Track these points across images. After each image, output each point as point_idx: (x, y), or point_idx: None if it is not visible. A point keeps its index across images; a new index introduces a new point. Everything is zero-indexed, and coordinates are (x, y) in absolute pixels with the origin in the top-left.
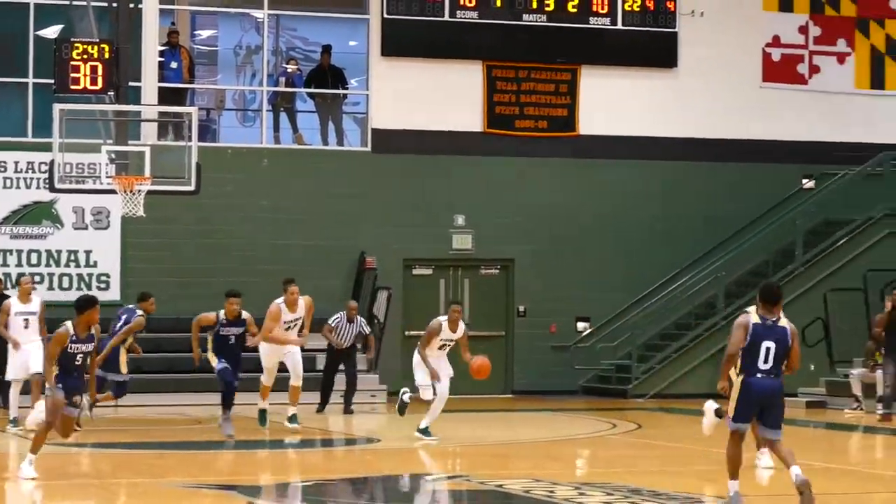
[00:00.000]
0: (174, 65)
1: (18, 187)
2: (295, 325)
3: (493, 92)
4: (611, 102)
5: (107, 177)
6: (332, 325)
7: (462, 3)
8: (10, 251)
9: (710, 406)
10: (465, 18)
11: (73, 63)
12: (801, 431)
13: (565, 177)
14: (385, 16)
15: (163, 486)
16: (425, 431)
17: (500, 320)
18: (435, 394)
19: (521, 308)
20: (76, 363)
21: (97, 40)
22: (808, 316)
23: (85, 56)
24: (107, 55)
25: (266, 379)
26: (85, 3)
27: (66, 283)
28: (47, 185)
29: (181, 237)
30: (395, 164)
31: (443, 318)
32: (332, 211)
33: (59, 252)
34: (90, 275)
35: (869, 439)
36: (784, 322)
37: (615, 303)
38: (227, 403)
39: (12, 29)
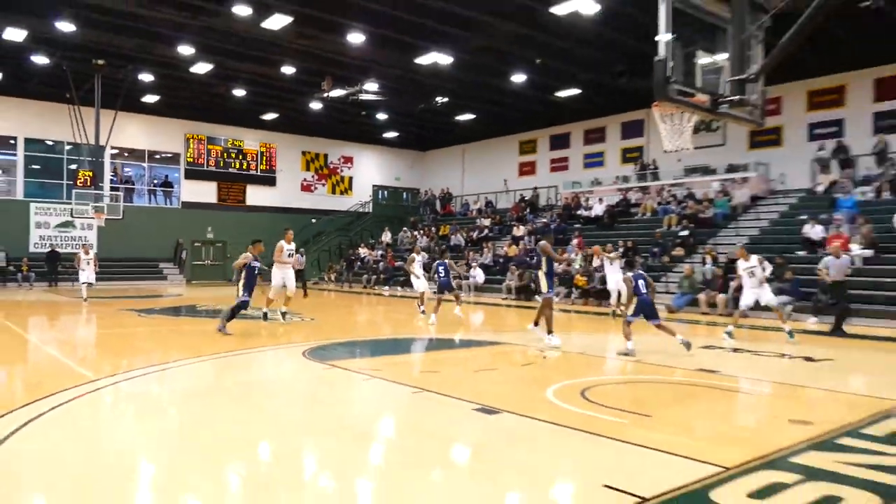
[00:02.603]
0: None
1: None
2: (292, 254)
3: (220, 191)
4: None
5: (93, 214)
6: (295, 257)
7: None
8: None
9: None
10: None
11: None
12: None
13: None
14: (185, 167)
15: (112, 309)
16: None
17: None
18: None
19: None
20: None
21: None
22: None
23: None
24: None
25: (274, 293)
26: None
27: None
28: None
29: (106, 237)
30: (192, 213)
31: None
32: (168, 227)
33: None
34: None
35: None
36: (641, 271)
37: None
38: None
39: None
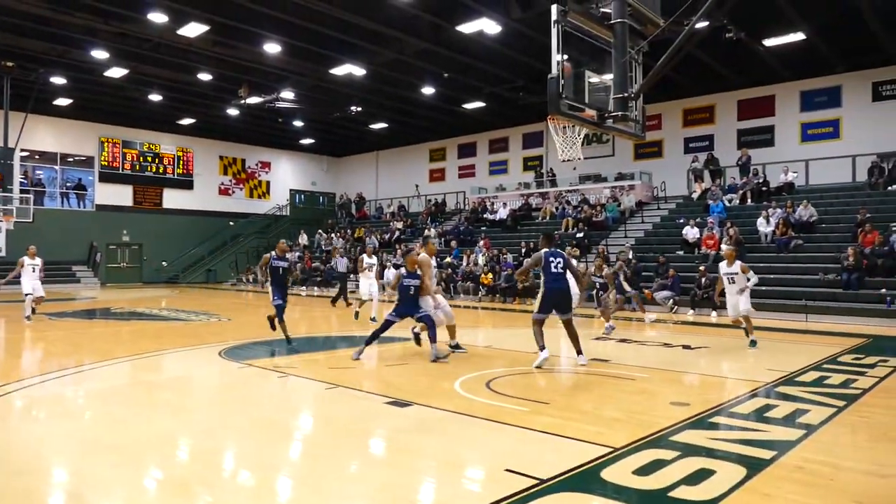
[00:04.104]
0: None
1: None
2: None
3: (136, 194)
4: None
5: (0, 217)
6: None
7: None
8: None
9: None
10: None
11: None
12: None
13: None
14: (100, 170)
15: (20, 314)
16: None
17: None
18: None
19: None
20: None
21: None
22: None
23: None
24: None
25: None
26: None
27: None
28: None
29: (15, 240)
30: (106, 216)
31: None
32: (82, 230)
33: None
34: None
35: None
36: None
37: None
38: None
39: None
